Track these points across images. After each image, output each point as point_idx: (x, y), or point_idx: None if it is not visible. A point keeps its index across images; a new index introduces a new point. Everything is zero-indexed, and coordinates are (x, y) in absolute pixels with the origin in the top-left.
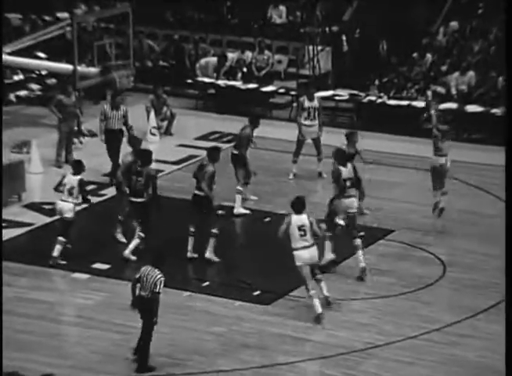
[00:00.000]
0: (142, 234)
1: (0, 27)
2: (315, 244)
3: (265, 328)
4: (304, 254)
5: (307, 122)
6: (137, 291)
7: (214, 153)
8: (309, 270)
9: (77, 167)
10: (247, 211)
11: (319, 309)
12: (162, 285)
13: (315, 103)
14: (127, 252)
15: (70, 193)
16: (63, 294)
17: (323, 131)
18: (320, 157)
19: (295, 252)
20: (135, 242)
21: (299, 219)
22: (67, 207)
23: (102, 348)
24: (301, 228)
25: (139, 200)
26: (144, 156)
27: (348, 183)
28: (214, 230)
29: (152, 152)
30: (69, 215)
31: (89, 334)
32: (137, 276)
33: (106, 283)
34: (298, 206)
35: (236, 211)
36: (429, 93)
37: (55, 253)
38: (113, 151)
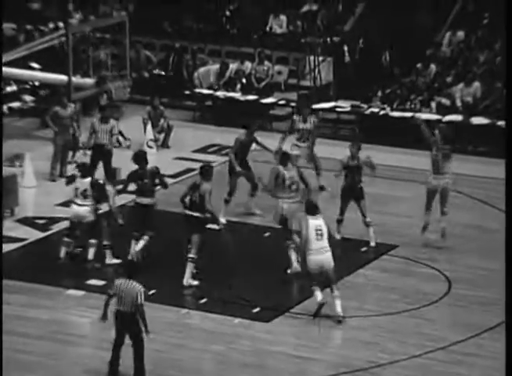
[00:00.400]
0: (151, 233)
1: (0, 33)
2: (331, 248)
3: (264, 346)
4: (318, 258)
5: (298, 143)
6: (112, 307)
7: (207, 171)
8: (319, 278)
9: (85, 170)
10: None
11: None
12: (143, 296)
13: (308, 125)
14: (134, 251)
15: (85, 196)
16: (58, 311)
17: (323, 143)
18: (318, 172)
19: (309, 256)
20: (143, 241)
21: (315, 222)
22: (86, 210)
23: (97, 367)
24: (317, 230)
25: (146, 200)
26: (139, 158)
27: (294, 187)
28: (192, 255)
29: (145, 152)
30: (90, 217)
31: (87, 353)
32: (111, 292)
33: (102, 300)
34: (312, 209)
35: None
36: (433, 105)
37: (90, 256)
38: (104, 166)
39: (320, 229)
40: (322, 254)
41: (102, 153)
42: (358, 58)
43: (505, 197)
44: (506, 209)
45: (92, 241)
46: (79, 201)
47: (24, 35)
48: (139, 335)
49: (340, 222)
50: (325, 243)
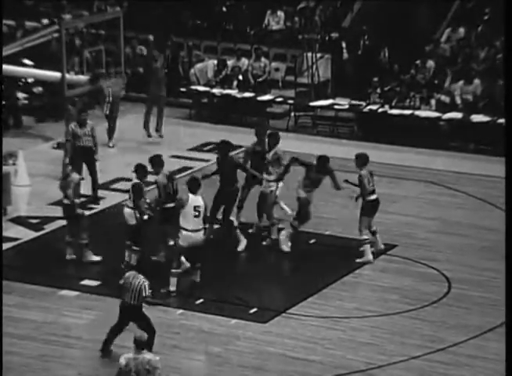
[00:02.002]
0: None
1: (0, 29)
2: (205, 228)
3: (261, 348)
4: (192, 236)
5: (265, 175)
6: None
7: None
8: (187, 253)
9: (141, 171)
10: None
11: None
12: (148, 289)
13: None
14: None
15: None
16: (51, 312)
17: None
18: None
19: (184, 232)
20: None
21: (195, 200)
22: (129, 212)
23: (92, 369)
24: (196, 208)
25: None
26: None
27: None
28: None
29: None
30: (131, 221)
31: (80, 355)
32: (121, 281)
33: (96, 301)
34: (193, 186)
35: None
36: (433, 102)
37: (131, 259)
38: (89, 168)
39: (199, 207)
40: (195, 234)
41: (86, 155)
42: (356, 55)
43: (505, 196)
44: (506, 208)
45: (128, 243)
46: (128, 203)
47: (22, 31)
48: (148, 325)
49: (374, 233)
50: (200, 221)
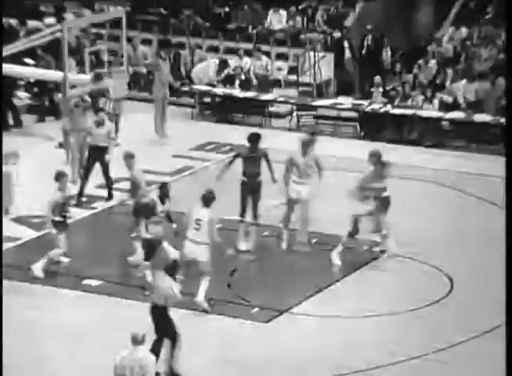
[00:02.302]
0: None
1: (0, 29)
2: (208, 244)
3: (263, 347)
4: (190, 246)
5: (295, 178)
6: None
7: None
8: (189, 266)
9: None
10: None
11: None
12: (176, 288)
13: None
14: None
15: None
16: (51, 312)
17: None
18: (304, 229)
19: (186, 241)
20: None
21: (199, 212)
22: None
23: (93, 369)
24: (197, 221)
25: None
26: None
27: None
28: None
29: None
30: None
31: (80, 355)
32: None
33: (97, 301)
34: (206, 199)
35: None
36: (435, 101)
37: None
38: (103, 168)
39: (200, 220)
40: (194, 245)
41: (100, 155)
42: (358, 54)
43: (505, 196)
44: (507, 208)
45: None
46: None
47: (24, 31)
48: (172, 326)
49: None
50: (201, 236)
